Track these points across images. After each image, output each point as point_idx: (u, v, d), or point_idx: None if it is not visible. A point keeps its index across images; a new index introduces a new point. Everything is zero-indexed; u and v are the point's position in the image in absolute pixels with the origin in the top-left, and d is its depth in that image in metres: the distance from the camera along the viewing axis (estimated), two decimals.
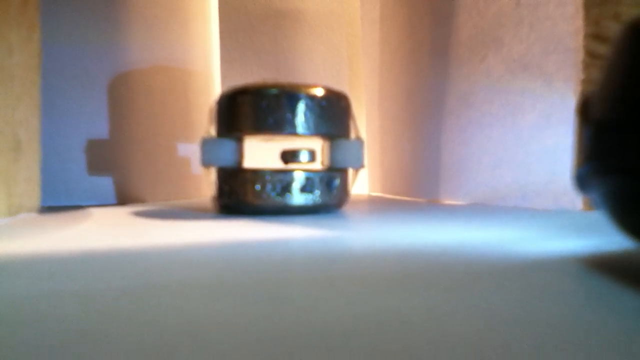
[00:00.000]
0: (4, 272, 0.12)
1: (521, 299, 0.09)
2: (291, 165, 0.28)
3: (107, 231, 0.20)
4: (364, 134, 0.54)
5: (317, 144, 0.31)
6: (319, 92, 0.27)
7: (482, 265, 0.13)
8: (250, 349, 0.07)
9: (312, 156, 0.29)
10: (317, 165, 0.29)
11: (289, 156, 0.29)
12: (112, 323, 0.08)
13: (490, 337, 0.07)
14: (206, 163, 0.28)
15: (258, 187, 0.27)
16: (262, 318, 0.08)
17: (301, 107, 0.27)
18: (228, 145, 0.28)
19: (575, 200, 0.26)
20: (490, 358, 0.07)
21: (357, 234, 0.20)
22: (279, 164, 0.29)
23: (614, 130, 0.10)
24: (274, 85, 0.27)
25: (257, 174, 0.27)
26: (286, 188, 0.27)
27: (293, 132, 0.27)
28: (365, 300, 0.10)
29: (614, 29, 0.25)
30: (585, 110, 0.11)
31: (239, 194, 0.27)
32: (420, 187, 0.43)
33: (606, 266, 0.12)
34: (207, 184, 0.44)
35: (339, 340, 0.07)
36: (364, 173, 0.57)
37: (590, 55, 0.25)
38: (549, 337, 0.07)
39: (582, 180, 0.12)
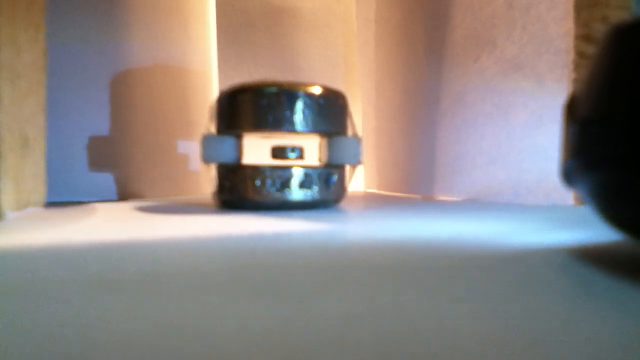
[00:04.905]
0: (22, 260, 0.13)
1: (512, 286, 0.10)
2: (288, 162, 0.29)
3: (114, 224, 0.21)
4: (360, 132, 0.55)
5: (315, 141, 0.32)
6: (317, 90, 0.28)
7: (476, 256, 0.13)
8: (255, 336, 0.08)
9: (301, 153, 0.29)
10: (306, 162, 0.29)
11: (278, 152, 0.29)
12: (128, 305, 0.09)
13: (483, 320, 0.08)
14: (207, 159, 0.29)
15: (258, 182, 0.27)
16: (266, 304, 0.09)
17: (300, 105, 0.27)
18: (228, 142, 0.28)
19: (565, 196, 0.27)
20: (482, 339, 0.07)
21: (355, 227, 0.21)
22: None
23: (598, 126, 0.11)
24: (274, 84, 0.28)
25: (256, 170, 0.27)
26: (285, 184, 0.27)
27: (292, 130, 0.27)
28: (363, 288, 0.10)
29: (602, 30, 0.26)
30: (571, 108, 0.12)
31: (239, 190, 0.28)
32: (415, 184, 0.44)
33: (591, 256, 0.13)
34: (207, 180, 0.45)
35: (338, 325, 0.08)
36: (360, 170, 0.57)
37: (581, 56, 0.26)
38: (537, 319, 0.08)
39: (569, 175, 0.12)
